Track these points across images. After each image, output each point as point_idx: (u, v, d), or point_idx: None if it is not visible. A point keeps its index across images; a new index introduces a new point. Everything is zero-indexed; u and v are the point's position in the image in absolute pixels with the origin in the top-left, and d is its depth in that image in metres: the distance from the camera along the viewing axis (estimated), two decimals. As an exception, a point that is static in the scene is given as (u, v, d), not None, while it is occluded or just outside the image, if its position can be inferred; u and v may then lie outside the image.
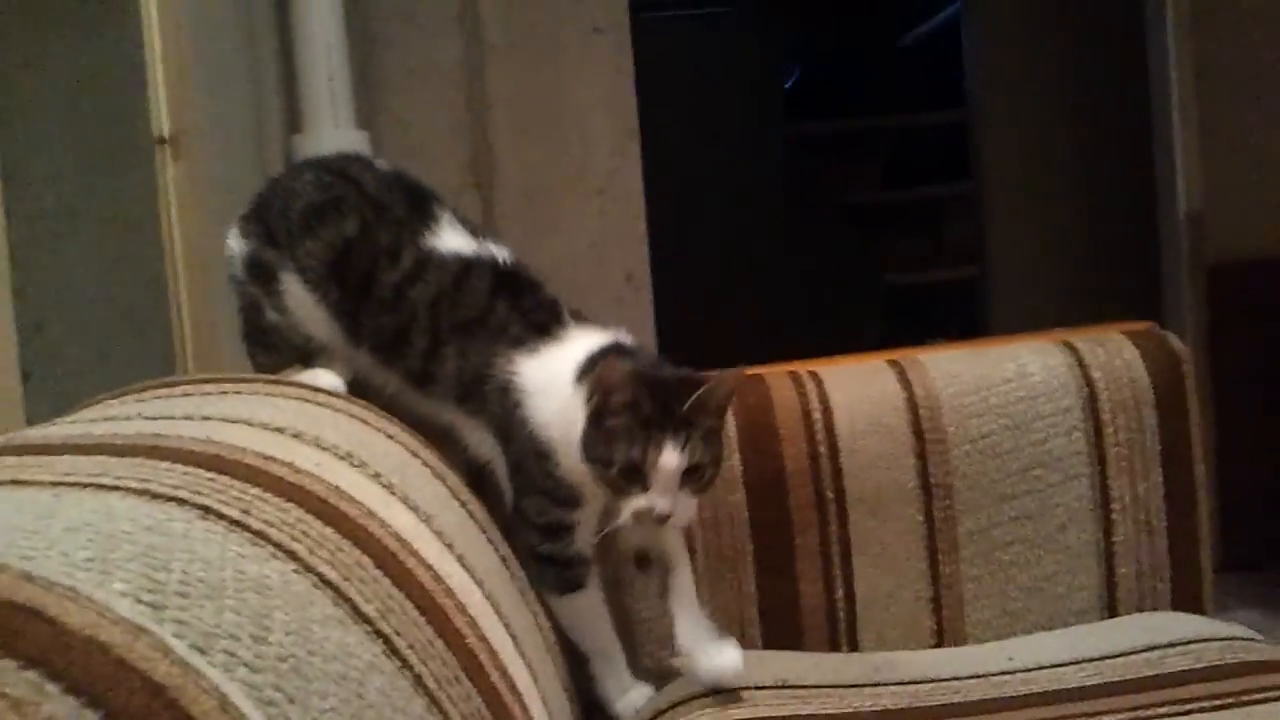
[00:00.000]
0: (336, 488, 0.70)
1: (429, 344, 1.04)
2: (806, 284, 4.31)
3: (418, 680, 0.59)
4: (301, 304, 1.07)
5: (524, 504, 1.02)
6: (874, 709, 0.99)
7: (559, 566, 1.02)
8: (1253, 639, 1.09)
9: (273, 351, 1.11)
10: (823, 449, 1.19)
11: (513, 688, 0.74)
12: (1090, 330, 1.30)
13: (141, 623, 0.42)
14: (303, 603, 0.54)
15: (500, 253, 1.07)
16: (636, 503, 0.94)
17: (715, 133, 4.33)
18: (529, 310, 1.04)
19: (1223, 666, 1.01)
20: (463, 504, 0.96)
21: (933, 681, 1.05)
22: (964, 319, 4.08)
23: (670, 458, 0.92)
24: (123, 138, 1.41)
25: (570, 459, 0.97)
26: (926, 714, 0.98)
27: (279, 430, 0.76)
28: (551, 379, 0.99)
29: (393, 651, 0.58)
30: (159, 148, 1.41)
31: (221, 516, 0.56)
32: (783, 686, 1.02)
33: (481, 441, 1.06)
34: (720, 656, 0.99)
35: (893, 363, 1.25)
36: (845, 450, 1.20)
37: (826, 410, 1.21)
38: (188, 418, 0.74)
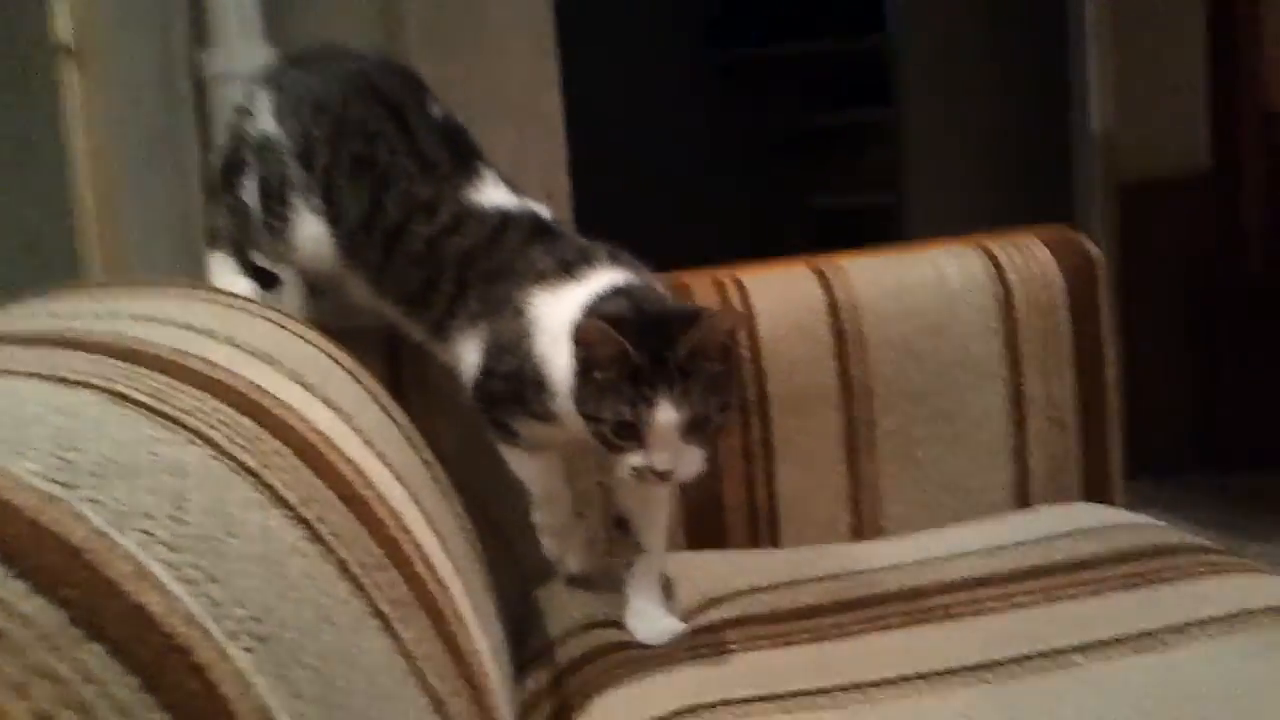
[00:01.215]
0: (253, 382, 0.69)
1: (455, 291, 1.02)
2: (731, 208, 4.32)
3: (342, 565, 0.58)
4: (313, 237, 1.07)
5: (489, 406, 1.02)
6: (794, 606, 1.01)
7: (506, 431, 1.02)
8: (1159, 525, 1.13)
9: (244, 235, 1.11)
10: (746, 352, 1.20)
11: (438, 580, 0.74)
12: (1007, 235, 1.32)
13: (55, 494, 0.41)
14: (221, 486, 0.53)
15: (542, 210, 1.06)
16: (633, 460, 0.88)
17: (640, 56, 4.30)
18: (561, 254, 1.00)
19: (1132, 550, 1.04)
20: (383, 408, 0.95)
21: (851, 574, 1.07)
22: (886, 242, 4.11)
23: (666, 413, 0.86)
24: (23, 47, 1.36)
25: (564, 400, 0.93)
26: (845, 607, 1.01)
27: (193, 329, 0.75)
28: (558, 317, 0.95)
29: (315, 537, 0.58)
30: (62, 58, 1.36)
31: (135, 402, 0.55)
32: (710, 602, 1.04)
33: (470, 352, 1.03)
34: (659, 624, 0.99)
35: (815, 268, 1.26)
36: (768, 353, 1.21)
37: (750, 314, 1.21)
38: (96, 315, 0.73)
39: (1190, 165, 2.88)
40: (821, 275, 1.25)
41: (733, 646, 0.94)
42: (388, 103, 1.07)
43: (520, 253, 1.00)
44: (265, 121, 1.09)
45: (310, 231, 1.08)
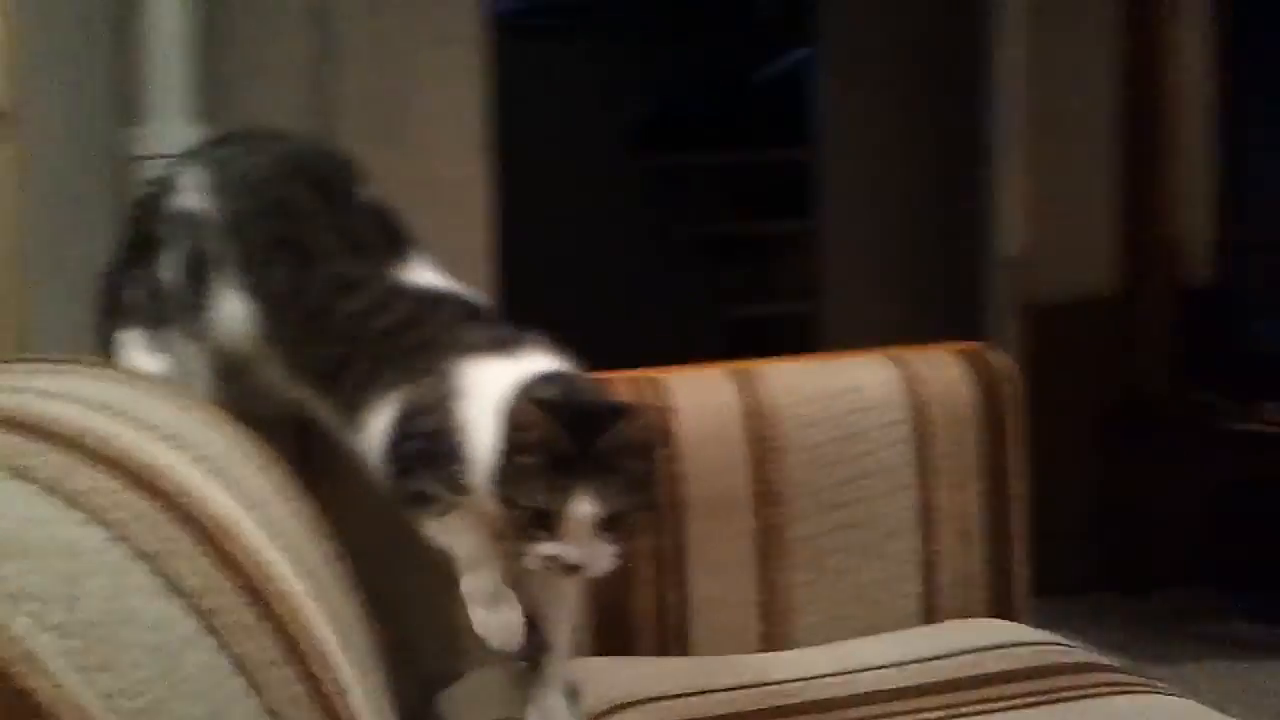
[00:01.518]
0: (156, 465, 0.67)
1: (370, 368, 0.99)
2: (655, 311, 4.36)
3: (238, 660, 0.56)
4: (234, 316, 1.04)
5: (402, 471, 0.97)
6: (701, 716, 1.00)
7: (420, 499, 0.97)
8: (1065, 644, 1.14)
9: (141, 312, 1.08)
10: (664, 455, 1.20)
11: (336, 681, 0.71)
12: (921, 349, 1.35)
13: (-63, 574, 0.39)
14: (117, 571, 0.51)
15: (479, 297, 1.05)
16: (544, 549, 0.86)
17: (575, 158, 4.37)
18: (493, 333, 0.99)
19: (1037, 667, 1.05)
20: (289, 498, 0.93)
21: (760, 685, 1.06)
22: (803, 352, 4.16)
23: (583, 507, 0.85)
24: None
25: (480, 475, 0.91)
26: (757, 716, 0.99)
27: (101, 406, 0.73)
28: (488, 388, 0.92)
29: (212, 629, 0.56)
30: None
31: (33, 480, 0.53)
32: (617, 708, 1.02)
33: (379, 417, 0.99)
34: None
35: (735, 372, 1.27)
36: (685, 456, 1.21)
37: (668, 417, 1.22)
38: (1, 389, 0.70)
39: (1096, 289, 2.98)
40: (740, 379, 1.26)
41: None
42: (317, 183, 1.06)
43: (449, 328, 0.98)
44: (190, 198, 1.07)
45: (231, 310, 1.05)
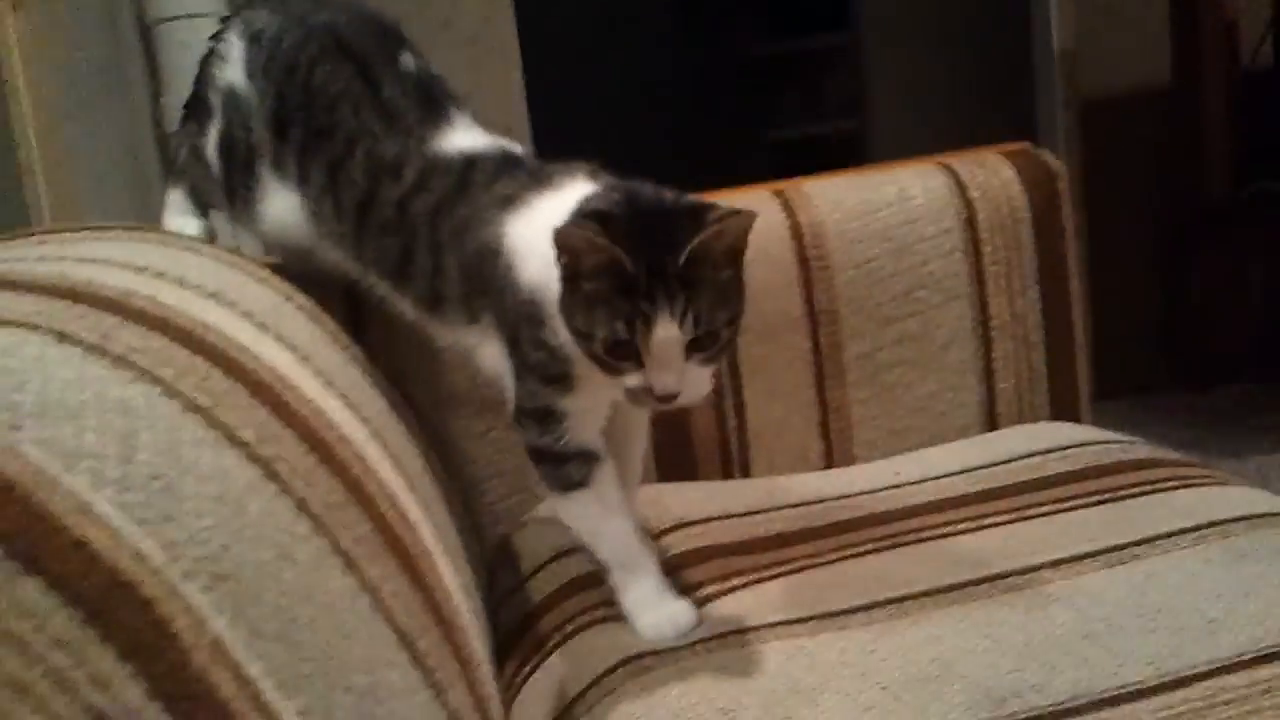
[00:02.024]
0: (204, 322, 0.67)
1: (433, 261, 0.92)
2: (694, 138, 4.28)
3: (301, 503, 0.57)
4: (284, 209, 1.00)
5: (519, 389, 0.87)
6: (767, 534, 1.01)
7: (553, 461, 0.87)
8: (1128, 441, 1.13)
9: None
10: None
11: (404, 518, 0.73)
12: (969, 153, 1.31)
13: (-10, 435, 0.39)
14: (171, 425, 0.51)
15: (513, 147, 0.95)
16: (630, 380, 0.77)
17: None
18: (532, 174, 0.89)
19: (1100, 466, 1.04)
20: (343, 347, 0.93)
21: (824, 501, 1.07)
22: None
23: (667, 330, 0.75)
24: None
25: (562, 326, 0.81)
26: (818, 533, 1.00)
27: (140, 269, 0.72)
28: (539, 233, 0.80)
29: (273, 475, 0.56)
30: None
31: (79, 342, 0.53)
32: (679, 525, 1.03)
33: (494, 352, 0.91)
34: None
35: (777, 192, 1.25)
36: (732, 281, 1.19)
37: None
38: (41, 259, 0.70)
39: (1151, 80, 2.87)
40: (784, 199, 1.23)
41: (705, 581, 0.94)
42: (358, 59, 0.99)
43: (486, 189, 0.90)
44: (235, 73, 1.02)
45: (280, 203, 1.01)
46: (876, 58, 3.85)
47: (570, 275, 0.78)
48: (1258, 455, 2.45)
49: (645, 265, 0.75)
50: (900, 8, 3.73)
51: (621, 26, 4.27)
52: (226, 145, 1.03)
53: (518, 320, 0.85)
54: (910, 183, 1.25)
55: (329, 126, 0.97)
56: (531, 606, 0.95)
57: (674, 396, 0.77)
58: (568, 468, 0.87)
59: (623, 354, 0.77)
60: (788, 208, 1.22)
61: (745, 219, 0.77)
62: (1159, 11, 2.83)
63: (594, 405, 0.87)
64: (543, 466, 0.88)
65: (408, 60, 1.01)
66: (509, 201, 0.88)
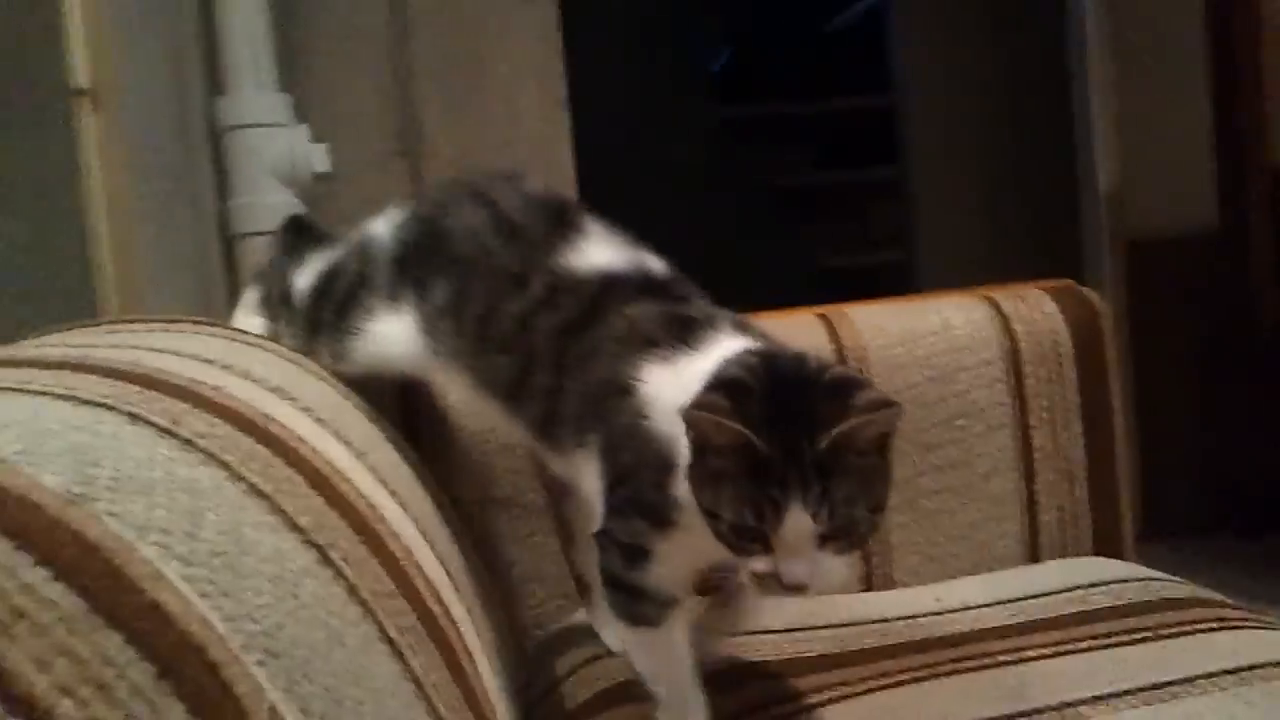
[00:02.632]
0: (266, 413, 0.69)
1: (553, 381, 0.87)
2: (739, 268, 4.34)
3: (352, 589, 0.58)
4: (393, 335, 0.97)
5: (613, 524, 0.83)
6: (808, 654, 1.00)
7: (629, 594, 0.83)
8: (1171, 580, 1.12)
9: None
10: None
11: (448, 614, 0.74)
12: (1012, 287, 1.33)
13: (74, 499, 0.41)
14: (235, 507, 0.53)
15: (653, 264, 0.91)
16: (758, 565, 0.72)
17: (650, 112, 4.35)
18: (674, 319, 0.84)
19: (1141, 604, 1.03)
20: (396, 447, 0.95)
21: (862, 624, 1.07)
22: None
23: (799, 520, 0.69)
24: (40, 90, 1.38)
25: (685, 488, 0.76)
26: (858, 657, 1.00)
27: (208, 361, 0.75)
28: (677, 388, 0.76)
29: (326, 561, 0.58)
30: (76, 99, 1.38)
31: (150, 424, 0.55)
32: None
33: (592, 475, 0.87)
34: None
35: (821, 316, 1.27)
36: (776, 401, 1.21)
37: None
38: (114, 346, 0.73)
39: (1198, 222, 2.90)
40: (828, 322, 1.25)
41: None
42: (486, 200, 0.97)
43: (622, 317, 0.85)
44: (383, 226, 1.02)
45: (388, 328, 0.98)
46: (924, 191, 3.91)
47: (699, 448, 0.73)
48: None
49: (780, 447, 0.69)
50: (948, 142, 3.81)
51: (674, 156, 4.38)
52: (329, 276, 1.03)
53: (639, 463, 0.81)
54: (953, 313, 1.27)
55: (451, 250, 0.95)
56: (564, 714, 0.95)
57: (803, 588, 0.71)
58: (643, 604, 0.83)
59: (750, 538, 0.71)
60: (831, 331, 1.25)
61: (895, 411, 0.71)
62: (1204, 154, 2.87)
63: (694, 560, 0.82)
64: (616, 594, 0.85)
65: (530, 184, 1.00)
66: (648, 345, 0.82)
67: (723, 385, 0.74)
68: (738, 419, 0.70)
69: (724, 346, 0.80)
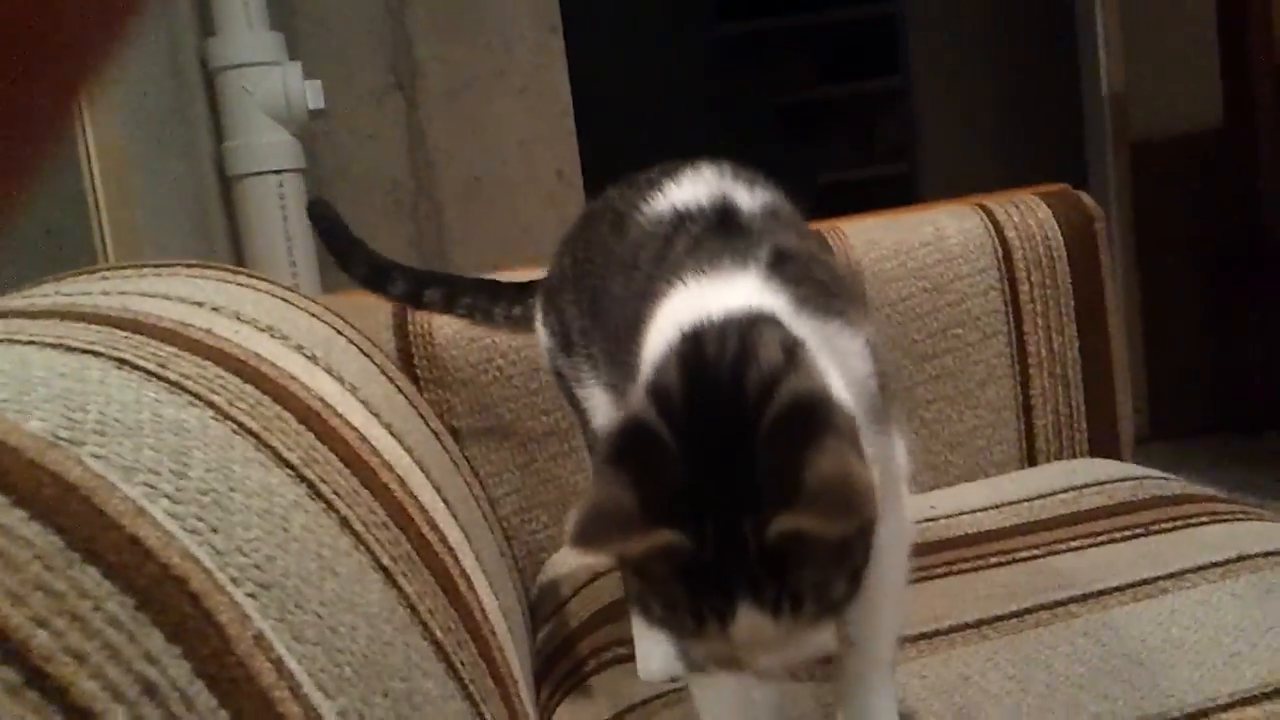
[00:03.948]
0: (256, 353, 0.70)
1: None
2: (742, 183, 4.31)
3: (343, 522, 0.60)
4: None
5: None
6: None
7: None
8: (1164, 477, 1.13)
9: None
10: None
11: (444, 540, 0.76)
12: (1005, 194, 1.33)
13: (58, 443, 0.43)
14: (222, 445, 0.55)
15: (741, 197, 0.73)
16: (715, 651, 0.56)
17: (649, 32, 4.30)
18: (714, 247, 0.65)
19: (1134, 502, 1.05)
20: (390, 379, 0.97)
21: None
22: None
23: (753, 624, 0.53)
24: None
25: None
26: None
27: (198, 304, 0.77)
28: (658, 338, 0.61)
29: (317, 495, 0.60)
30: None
31: (137, 368, 0.56)
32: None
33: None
34: None
35: (815, 232, 1.27)
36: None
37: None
38: (104, 293, 0.75)
39: (1203, 124, 2.87)
40: (821, 238, 1.26)
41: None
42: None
43: (685, 252, 0.67)
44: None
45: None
46: (926, 101, 3.88)
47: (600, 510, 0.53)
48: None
49: (714, 539, 0.52)
50: (951, 53, 3.76)
51: (672, 73, 4.34)
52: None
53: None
54: (947, 223, 1.27)
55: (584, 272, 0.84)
56: (568, 632, 0.98)
57: (772, 672, 0.59)
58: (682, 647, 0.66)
59: (696, 637, 0.55)
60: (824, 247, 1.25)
61: (856, 497, 0.50)
62: (1208, 54, 2.83)
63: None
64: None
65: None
66: (678, 273, 0.64)
67: (628, 446, 0.55)
68: (649, 513, 0.52)
69: (733, 289, 0.61)
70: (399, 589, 0.61)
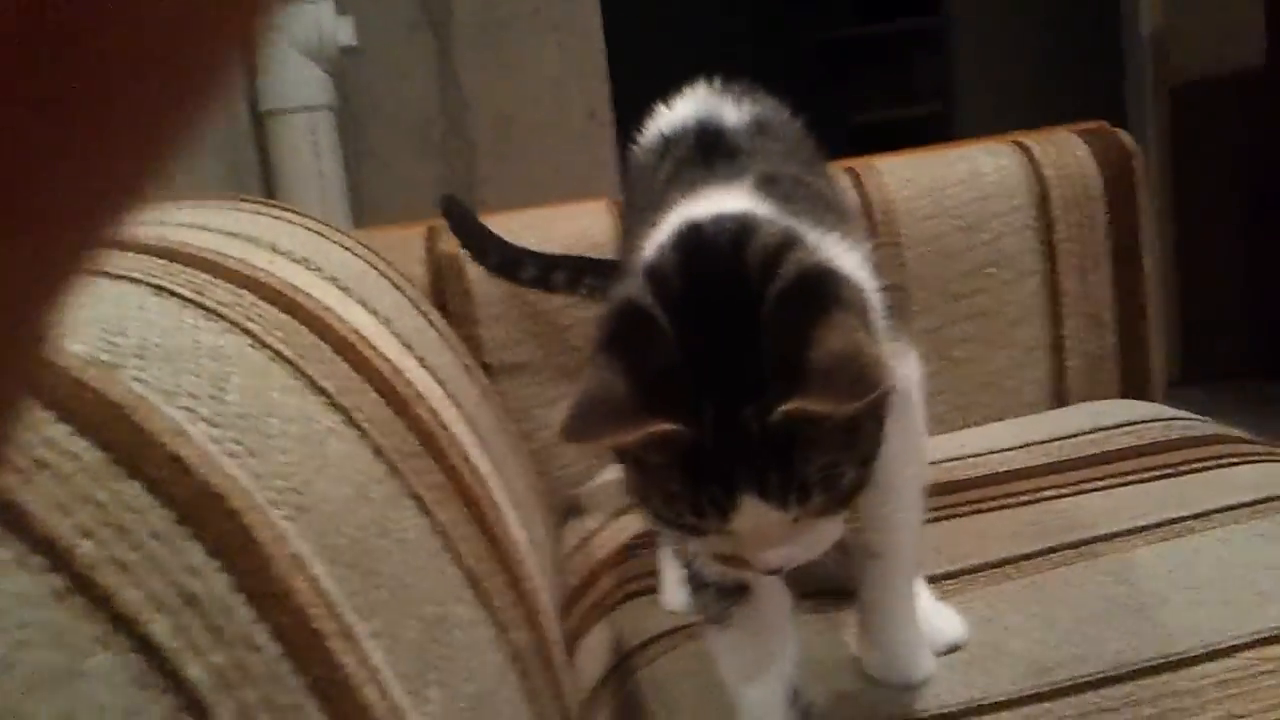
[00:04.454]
0: (292, 284, 0.71)
1: None
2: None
3: (378, 450, 0.61)
4: None
5: None
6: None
7: (689, 579, 0.66)
8: (1195, 419, 1.13)
9: None
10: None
11: (475, 472, 0.77)
12: (1043, 131, 1.31)
13: (100, 362, 0.44)
14: (260, 371, 0.56)
15: (722, 113, 0.71)
16: (715, 548, 0.56)
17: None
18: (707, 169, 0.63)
19: (1164, 442, 1.05)
20: (423, 313, 0.98)
21: (888, 471, 1.09)
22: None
23: (756, 513, 0.51)
24: None
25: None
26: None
27: (233, 234, 0.77)
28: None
29: (352, 423, 0.61)
30: None
31: (175, 295, 0.57)
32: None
33: None
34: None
35: (849, 169, 1.26)
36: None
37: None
38: (140, 224, 0.75)
39: (1243, 63, 2.81)
40: (855, 175, 1.25)
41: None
42: None
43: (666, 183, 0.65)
44: None
45: None
46: (964, 41, 3.82)
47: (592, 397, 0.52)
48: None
49: (714, 422, 0.49)
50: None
51: (706, 10, 4.29)
52: None
53: None
54: (983, 160, 1.26)
55: None
56: (594, 564, 0.99)
57: (780, 570, 0.56)
58: (702, 594, 0.65)
59: (695, 531, 0.53)
60: (859, 183, 1.24)
61: (869, 379, 0.47)
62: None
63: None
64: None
65: None
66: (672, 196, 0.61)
67: (621, 330, 0.53)
68: (644, 400, 0.49)
69: (692, 205, 0.58)
70: (431, 517, 0.62)
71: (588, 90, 2.37)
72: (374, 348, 0.74)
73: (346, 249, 0.94)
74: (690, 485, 0.51)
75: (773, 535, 0.53)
